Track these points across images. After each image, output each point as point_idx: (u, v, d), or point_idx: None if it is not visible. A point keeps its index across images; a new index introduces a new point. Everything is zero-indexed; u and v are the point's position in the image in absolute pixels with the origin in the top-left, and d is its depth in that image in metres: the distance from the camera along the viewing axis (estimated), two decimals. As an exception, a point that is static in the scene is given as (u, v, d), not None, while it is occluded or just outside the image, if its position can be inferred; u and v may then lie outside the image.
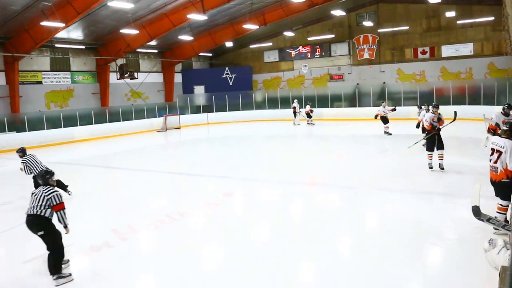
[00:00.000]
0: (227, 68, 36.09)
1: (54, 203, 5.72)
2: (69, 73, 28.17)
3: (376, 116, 19.06)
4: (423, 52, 29.05)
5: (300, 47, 33.84)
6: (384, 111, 18.75)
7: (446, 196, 9.05)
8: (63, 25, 20.95)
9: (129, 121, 28.30)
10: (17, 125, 23.90)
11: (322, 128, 24.83)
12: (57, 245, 5.78)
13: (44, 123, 24.48)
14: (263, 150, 18.15)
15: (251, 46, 35.64)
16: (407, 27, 29.08)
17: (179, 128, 29.54)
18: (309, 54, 33.58)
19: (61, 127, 24.85)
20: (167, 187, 11.81)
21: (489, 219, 3.90)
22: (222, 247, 6.77)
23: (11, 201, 11.04)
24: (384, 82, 29.87)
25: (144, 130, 28.29)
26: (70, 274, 5.76)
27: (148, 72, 32.49)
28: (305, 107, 26.59)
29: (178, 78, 35.45)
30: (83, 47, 28.00)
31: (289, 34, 32.16)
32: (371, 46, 30.83)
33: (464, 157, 12.87)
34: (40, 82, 26.78)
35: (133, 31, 25.07)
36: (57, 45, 26.32)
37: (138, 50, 30.80)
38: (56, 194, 5.77)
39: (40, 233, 5.71)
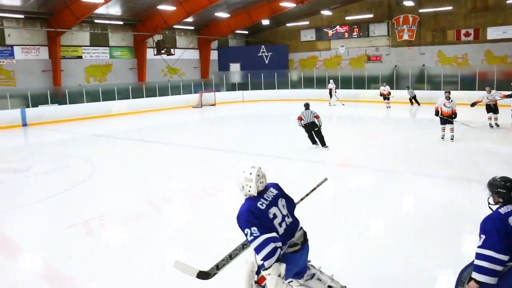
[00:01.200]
0: (263, 46, 35.91)
1: None
2: (107, 48, 28.72)
3: (473, 104, 15.59)
4: (467, 34, 27.97)
5: (338, 27, 33.26)
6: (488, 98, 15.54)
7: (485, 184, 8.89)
8: (102, 1, 21.35)
9: (165, 97, 28.73)
10: (58, 98, 24.69)
11: (357, 110, 24.60)
12: None
13: (83, 97, 25.20)
14: (297, 130, 18.15)
15: (287, 25, 35.28)
16: (450, 8, 28.01)
17: (214, 105, 29.80)
18: (346, 34, 32.96)
19: (99, 101, 25.54)
20: (202, 162, 12.03)
21: None
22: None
23: (53, 170, 11.48)
24: (423, 65, 29.10)
25: (180, 106, 28.68)
26: None
27: (185, 49, 32.71)
28: (383, 87, 24.43)
29: (214, 55, 35.58)
30: (121, 23, 28.41)
31: (326, 13, 31.67)
32: (411, 27, 29.97)
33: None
34: (80, 57, 27.43)
35: (170, 8, 25.27)
36: (96, 21, 26.83)
37: (175, 26, 30.97)
38: None
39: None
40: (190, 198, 8.24)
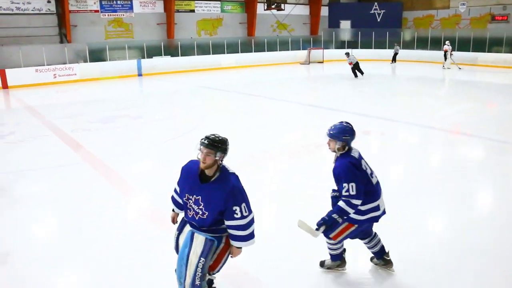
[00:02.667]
0: (376, 3, 33.85)
1: None
2: (219, 2, 29.02)
3: None
4: None
5: (461, -19, 30.43)
6: None
7: None
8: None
9: (274, 52, 28.61)
10: (171, 50, 25.65)
11: (475, 74, 22.52)
12: None
13: (194, 50, 25.90)
14: (405, 92, 17.14)
15: (404, -20, 33.01)
16: None
17: (322, 62, 29.13)
18: (470, -11, 30.08)
19: (209, 54, 26.10)
20: (306, 119, 11.80)
21: None
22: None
23: (165, 118, 11.95)
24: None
25: (288, 61, 28.43)
26: None
27: (295, 4, 32.02)
28: None
29: (324, 11, 34.42)
30: (233, -25, 28.50)
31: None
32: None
33: None
34: (193, 11, 28.05)
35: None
36: (209, -26, 27.17)
37: (286, -20, 30.44)
38: None
39: None
40: (291, 153, 8.08)
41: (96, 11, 25.06)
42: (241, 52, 27.35)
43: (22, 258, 4.48)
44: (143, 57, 24.12)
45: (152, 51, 24.66)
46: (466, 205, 5.70)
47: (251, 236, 3.16)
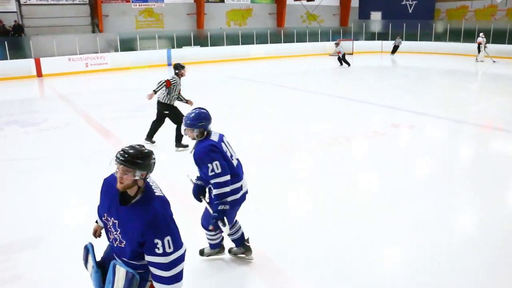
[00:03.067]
0: (408, -6, 33.33)
1: None
2: (249, -8, 29.01)
3: None
4: None
5: (499, -29, 29.52)
6: None
7: None
8: None
9: (303, 43, 28.43)
10: (201, 40, 25.77)
11: (510, 68, 21.78)
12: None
13: (224, 40, 25.94)
14: (436, 85, 16.80)
15: (439, -30, 32.22)
16: None
17: (351, 53, 28.75)
18: (509, -22, 29.16)
19: (238, 44, 26.11)
20: (335, 110, 11.72)
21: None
22: (380, 177, 6.54)
23: (201, 105, 12.03)
24: None
25: (317, 53, 28.21)
26: None
27: (325, -5, 31.78)
28: None
29: (354, 2, 33.95)
30: (264, -34, 28.35)
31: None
32: None
33: None
34: (223, 1, 28.12)
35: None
36: (240, -36, 27.09)
37: (317, -30, 30.11)
38: None
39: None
40: (320, 144, 8.05)
41: (127, 1, 25.38)
42: (270, 43, 27.27)
43: (53, 242, 4.59)
44: (173, 47, 24.31)
45: (182, 41, 24.83)
46: (498, 202, 5.55)
47: (176, 278, 2.45)
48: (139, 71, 21.78)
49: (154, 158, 2.53)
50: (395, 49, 27.40)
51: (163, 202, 2.53)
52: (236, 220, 3.95)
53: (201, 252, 4.13)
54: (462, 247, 4.34)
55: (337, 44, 21.57)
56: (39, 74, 19.85)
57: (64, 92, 15.36)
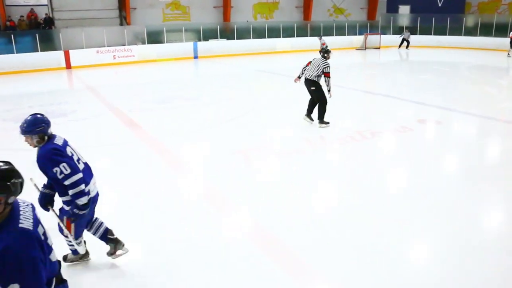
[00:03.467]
0: (438, -13, 32.55)
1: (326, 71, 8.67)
2: (276, -14, 28.85)
3: None
4: None
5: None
6: None
7: None
8: None
9: (329, 37, 28.11)
10: (227, 34, 25.78)
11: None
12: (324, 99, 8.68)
13: (250, 33, 25.88)
14: (465, 80, 16.41)
15: (471, -39, 31.36)
16: None
17: (378, 48, 28.36)
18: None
19: (265, 38, 26.02)
20: (361, 105, 11.58)
21: None
22: (409, 171, 6.44)
23: (219, 100, 12.08)
24: None
25: (344, 47, 27.87)
26: None
27: (353, -12, 31.40)
28: None
29: (383, -5, 33.54)
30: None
31: None
32: None
33: None
34: (250, -6, 28.04)
35: None
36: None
37: (346, -37, 29.75)
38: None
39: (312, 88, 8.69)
40: (345, 139, 7.97)
41: (155, -6, 25.57)
42: (296, 36, 27.09)
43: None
44: (199, 40, 24.39)
45: (208, 34, 24.89)
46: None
47: None
48: (166, 63, 21.94)
49: (17, 179, 2.01)
50: (402, 42, 27.20)
51: (24, 236, 1.94)
52: (96, 218, 3.93)
53: (64, 258, 3.95)
54: (490, 246, 4.23)
55: (320, 38, 22.30)
56: (68, 66, 20.19)
57: (92, 84, 15.60)
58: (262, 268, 3.87)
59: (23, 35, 20.79)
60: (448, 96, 12.43)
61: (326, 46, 19.98)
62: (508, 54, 22.71)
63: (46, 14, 22.29)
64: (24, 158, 4.34)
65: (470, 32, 28.23)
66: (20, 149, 4.47)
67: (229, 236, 4.48)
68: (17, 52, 19.40)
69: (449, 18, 28.69)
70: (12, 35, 19.54)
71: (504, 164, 6.88)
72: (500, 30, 26.13)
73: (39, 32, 20.67)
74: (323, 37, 23.40)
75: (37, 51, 19.90)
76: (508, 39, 22.86)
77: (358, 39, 28.81)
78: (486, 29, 27.44)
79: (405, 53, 25.80)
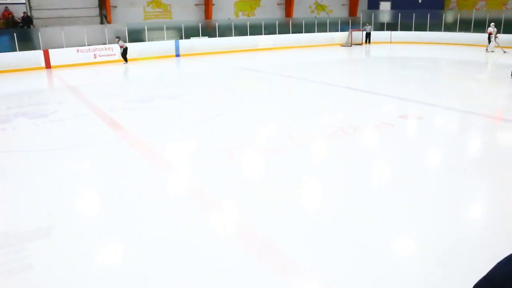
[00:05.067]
0: (418, -17, 32.78)
1: None
2: (257, -18, 28.81)
3: None
4: None
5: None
6: None
7: None
8: None
9: (311, 34, 28.24)
10: (209, 31, 25.68)
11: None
12: None
13: (232, 31, 25.83)
14: (445, 76, 16.64)
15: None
16: None
17: (361, 44, 28.58)
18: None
19: (247, 35, 25.99)
20: (343, 101, 11.63)
21: None
22: (391, 167, 6.48)
23: (201, 98, 12.03)
24: None
25: (325, 43, 28.04)
26: None
27: (334, -16, 31.50)
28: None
29: (364, -9, 33.72)
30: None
31: None
32: None
33: None
34: (231, -9, 27.95)
35: None
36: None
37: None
38: None
39: None
40: (328, 135, 7.99)
41: (136, -8, 25.33)
42: (278, 33, 27.11)
43: (65, 231, 4.60)
44: (181, 38, 24.26)
45: (190, 32, 24.76)
46: (508, 196, 5.47)
47: None
48: (147, 62, 21.77)
49: None
50: (368, 37, 28.03)
51: None
52: None
53: None
54: (473, 240, 4.28)
55: (119, 38, 21.01)
56: (48, 65, 19.90)
57: (73, 84, 15.39)
58: (248, 266, 3.86)
59: (0, 34, 20.41)
60: (429, 91, 12.55)
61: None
62: (487, 49, 23.05)
63: (24, 13, 21.91)
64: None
65: (450, 28, 28.69)
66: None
67: (214, 235, 4.45)
68: (-6, 52, 19.07)
69: (429, 14, 29.08)
70: (-12, 35, 19.20)
71: (485, 158, 6.96)
72: (479, 26, 26.52)
73: (17, 31, 20.31)
74: (121, 40, 21.92)
75: (16, 50, 19.57)
76: (486, 35, 23.21)
77: (340, 36, 28.95)
78: (465, 25, 27.86)
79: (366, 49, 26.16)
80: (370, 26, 27.72)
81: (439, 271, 3.72)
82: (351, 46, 27.84)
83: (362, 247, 4.09)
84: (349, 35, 28.43)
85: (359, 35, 28.67)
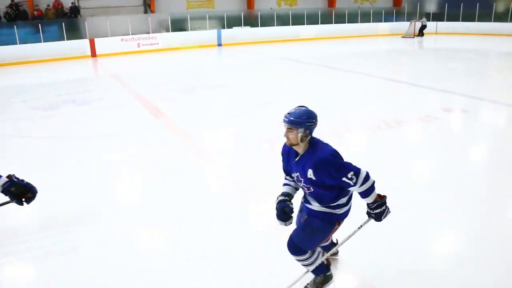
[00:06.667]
0: (468, -30, 31.47)
1: None
2: (303, -29, 28.48)
3: None
4: None
5: None
6: None
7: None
8: None
9: (354, 24, 27.73)
10: (251, 21, 25.63)
11: None
12: None
13: (274, 20, 25.68)
14: (495, 68, 15.98)
15: None
16: None
17: (413, 36, 27.78)
18: None
19: (289, 25, 25.78)
20: (387, 93, 11.35)
21: None
22: (433, 162, 6.26)
23: (245, 88, 12.03)
24: None
25: (369, 34, 27.44)
26: None
27: (379, -27, 30.76)
28: None
29: (410, -19, 32.73)
30: None
31: None
32: None
33: None
34: (277, -20, 27.77)
35: None
36: None
37: None
38: None
39: None
40: (371, 128, 7.83)
41: (179, -19, 25.53)
42: (320, 23, 26.76)
43: (107, 218, 4.69)
44: (223, 27, 24.31)
45: (232, 22, 24.77)
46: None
47: None
48: (190, 51, 21.96)
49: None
50: (421, 29, 26.51)
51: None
52: None
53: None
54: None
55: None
56: (93, 54, 20.39)
57: (117, 72, 15.72)
58: (288, 256, 3.83)
59: (50, 24, 21.04)
60: (476, 85, 12.10)
61: None
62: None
63: (72, 3, 22.50)
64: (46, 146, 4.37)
65: (501, 18, 27.27)
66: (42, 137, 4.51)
67: (254, 227, 4.43)
68: (44, 41, 19.66)
69: (478, 4, 27.71)
70: (39, 24, 19.80)
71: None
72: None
73: (65, 21, 20.89)
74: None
75: (63, 39, 20.14)
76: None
77: (383, 26, 28.31)
78: (518, 15, 26.49)
79: (419, 41, 25.31)
80: (425, 18, 26.76)
81: (484, 271, 3.58)
82: (413, 37, 26.66)
83: (407, 246, 3.98)
84: (410, 25, 27.44)
85: (412, 26, 27.62)
